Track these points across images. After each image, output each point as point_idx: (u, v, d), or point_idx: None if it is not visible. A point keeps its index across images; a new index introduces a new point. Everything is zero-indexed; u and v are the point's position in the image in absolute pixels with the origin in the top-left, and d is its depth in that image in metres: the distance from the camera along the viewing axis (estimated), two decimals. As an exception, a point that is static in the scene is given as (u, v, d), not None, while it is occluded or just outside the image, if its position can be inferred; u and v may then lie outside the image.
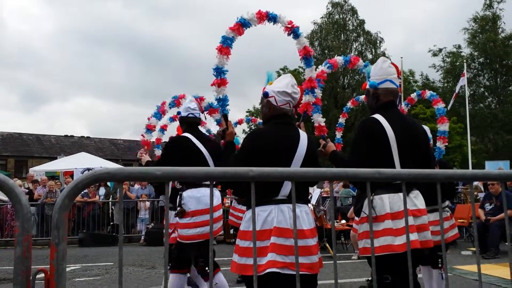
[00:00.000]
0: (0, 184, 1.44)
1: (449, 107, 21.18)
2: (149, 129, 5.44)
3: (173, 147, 4.12)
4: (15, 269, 1.39)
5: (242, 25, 3.22)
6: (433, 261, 4.41)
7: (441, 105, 5.73)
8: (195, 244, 3.88)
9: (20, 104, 68.92)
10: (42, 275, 1.46)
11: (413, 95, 6.42)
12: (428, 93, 6.13)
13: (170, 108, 5.45)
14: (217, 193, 4.12)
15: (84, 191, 11.97)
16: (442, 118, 5.57)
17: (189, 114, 4.24)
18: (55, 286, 1.39)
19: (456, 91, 20.60)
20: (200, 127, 4.44)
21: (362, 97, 6.25)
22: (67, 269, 1.49)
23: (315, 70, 4.10)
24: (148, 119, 5.77)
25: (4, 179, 1.45)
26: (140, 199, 13.16)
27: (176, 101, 5.39)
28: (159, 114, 5.38)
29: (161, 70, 73.72)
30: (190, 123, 4.25)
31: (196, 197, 3.86)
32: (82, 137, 35.67)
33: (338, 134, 6.94)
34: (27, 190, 12.90)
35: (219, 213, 4.16)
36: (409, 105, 6.76)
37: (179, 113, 4.44)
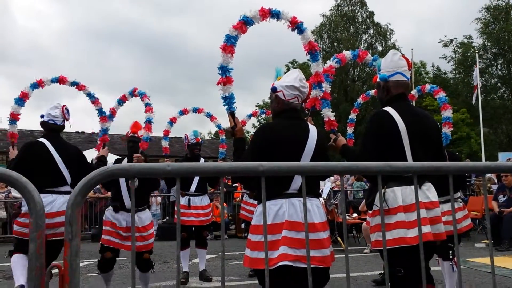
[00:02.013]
0: (13, 181, 1.46)
1: (473, 101, 20.88)
2: (14, 119, 5.09)
3: (25, 152, 4.18)
4: (29, 265, 1.41)
5: (245, 23, 3.21)
6: (443, 253, 4.39)
7: (442, 94, 5.83)
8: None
9: (31, 101, 69.30)
10: (56, 270, 1.48)
11: (414, 92, 6.46)
12: (428, 86, 6.28)
13: (32, 90, 5.10)
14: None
15: (96, 187, 12.08)
16: (445, 105, 5.71)
17: (49, 120, 4.31)
18: (69, 282, 1.40)
19: (475, 83, 20.28)
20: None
21: (372, 91, 6.24)
22: (81, 264, 1.51)
23: (325, 64, 4.08)
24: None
25: (17, 176, 1.47)
26: (152, 194, 13.24)
27: (39, 82, 5.11)
28: (22, 100, 5.13)
29: (169, 65, 74.04)
30: (50, 129, 4.31)
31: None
32: (93, 133, 35.90)
33: (350, 130, 6.92)
34: (40, 187, 13.04)
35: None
36: (412, 102, 6.78)
37: (42, 116, 4.39)
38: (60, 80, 5.14)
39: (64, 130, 4.55)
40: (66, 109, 4.41)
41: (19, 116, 5.11)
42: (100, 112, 5.20)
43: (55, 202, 4.03)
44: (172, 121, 7.54)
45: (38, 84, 5.14)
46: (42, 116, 4.38)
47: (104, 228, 4.67)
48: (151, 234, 4.78)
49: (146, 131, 4.93)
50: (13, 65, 60.56)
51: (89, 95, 5.25)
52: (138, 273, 4.71)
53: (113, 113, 5.26)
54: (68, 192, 4.13)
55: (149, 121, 4.88)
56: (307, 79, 3.12)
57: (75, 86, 5.23)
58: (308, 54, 3.50)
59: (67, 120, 4.40)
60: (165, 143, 7.60)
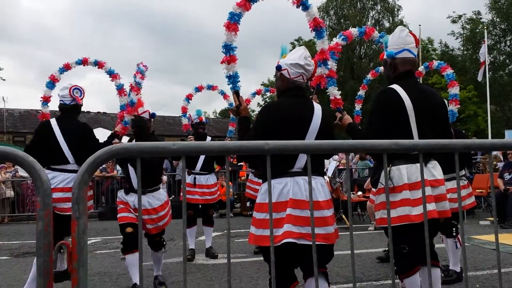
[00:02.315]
0: (20, 161, 1.47)
1: (480, 78, 20.59)
2: (45, 101, 5.28)
3: (35, 131, 4.46)
4: (37, 242, 1.43)
5: (248, 0, 3.16)
6: (447, 230, 4.42)
7: (449, 71, 5.80)
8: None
9: (37, 81, 69.90)
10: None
11: (421, 68, 6.38)
12: (435, 63, 6.20)
13: (61, 73, 5.27)
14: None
15: (102, 166, 12.17)
16: (452, 82, 5.69)
17: (60, 100, 4.47)
18: (77, 259, 1.42)
19: (482, 60, 19.91)
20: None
21: (382, 68, 6.17)
22: (88, 242, 1.52)
23: (331, 41, 4.02)
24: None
25: (24, 156, 1.47)
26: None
27: (66, 65, 5.33)
28: (52, 83, 5.28)
29: (174, 45, 73.49)
30: (60, 109, 4.48)
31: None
32: (99, 112, 35.93)
33: (358, 107, 6.86)
34: (47, 166, 13.15)
35: None
36: (419, 78, 6.72)
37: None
38: (84, 62, 5.31)
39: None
40: (75, 88, 4.45)
41: (50, 98, 5.33)
42: (119, 86, 5.24)
43: (55, 179, 4.13)
44: (188, 98, 7.46)
45: (65, 68, 5.32)
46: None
47: (118, 207, 4.61)
48: (162, 216, 4.56)
49: (128, 114, 4.90)
50: (18, 46, 60.46)
51: (109, 71, 5.30)
52: (150, 252, 4.74)
53: (132, 89, 5.27)
54: (71, 171, 4.21)
55: (131, 103, 4.82)
56: (313, 56, 3.09)
57: (96, 66, 5.32)
58: (313, 31, 3.45)
59: (76, 100, 4.44)
60: (184, 120, 7.46)
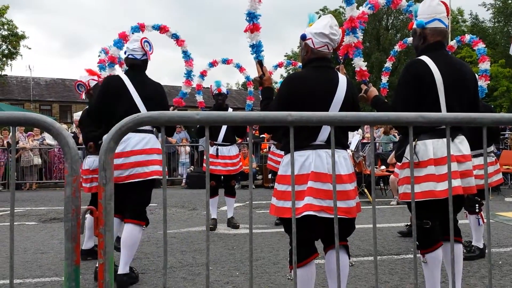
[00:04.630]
0: (48, 127, 1.49)
1: (511, 52, 19.80)
2: (112, 62, 4.80)
3: (103, 86, 3.90)
4: (65, 207, 1.46)
5: None
6: (470, 206, 4.36)
7: (481, 45, 5.63)
8: None
9: (62, 51, 70.71)
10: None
11: (453, 43, 6.19)
12: (467, 36, 6.04)
13: (133, 33, 4.79)
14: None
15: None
16: (483, 57, 5.53)
17: (128, 55, 3.95)
18: (104, 224, 1.46)
19: None
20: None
21: (410, 39, 6.01)
22: (114, 209, 1.55)
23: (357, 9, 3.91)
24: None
25: (52, 122, 1.50)
26: (181, 143, 13.49)
27: (140, 25, 4.90)
28: (121, 42, 4.76)
29: (197, 14, 72.87)
30: (130, 64, 3.96)
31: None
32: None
33: (384, 79, 6.71)
34: (73, 135, 13.44)
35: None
36: (450, 52, 6.55)
37: (125, 52, 4.10)
38: (162, 29, 4.96)
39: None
40: (146, 41, 4.00)
41: (117, 60, 4.93)
42: (188, 74, 5.14)
43: (130, 141, 3.65)
44: (202, 75, 7.35)
45: (139, 28, 4.90)
46: (125, 53, 4.06)
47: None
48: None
49: (185, 85, 4.87)
50: (43, 14, 61.04)
51: (185, 53, 5.03)
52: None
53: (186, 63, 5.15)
54: (144, 131, 3.73)
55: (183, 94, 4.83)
56: (339, 26, 3.00)
57: (175, 40, 5.02)
58: None
59: (146, 54, 3.97)
60: (199, 98, 7.43)
